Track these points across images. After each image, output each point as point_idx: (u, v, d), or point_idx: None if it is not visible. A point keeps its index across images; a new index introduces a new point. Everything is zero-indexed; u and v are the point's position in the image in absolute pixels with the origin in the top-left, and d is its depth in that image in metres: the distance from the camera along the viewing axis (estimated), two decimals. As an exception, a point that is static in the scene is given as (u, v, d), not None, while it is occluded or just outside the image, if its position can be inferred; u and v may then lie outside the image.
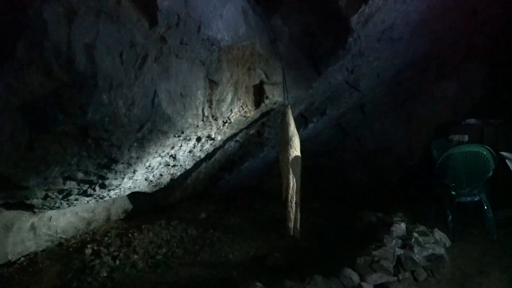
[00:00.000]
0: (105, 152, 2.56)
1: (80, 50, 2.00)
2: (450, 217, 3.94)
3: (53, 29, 1.91)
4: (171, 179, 4.45)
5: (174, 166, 3.84)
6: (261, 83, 3.58)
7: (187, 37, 2.51)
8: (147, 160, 3.12)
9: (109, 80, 2.16)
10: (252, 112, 3.64)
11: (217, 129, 3.48)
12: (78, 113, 2.16)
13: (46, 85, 2.00)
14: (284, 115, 3.89)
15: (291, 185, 3.85)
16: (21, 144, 2.18)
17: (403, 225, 3.78)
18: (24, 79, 1.96)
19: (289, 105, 3.85)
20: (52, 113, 2.13)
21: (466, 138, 5.31)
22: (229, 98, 3.18)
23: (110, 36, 2.11)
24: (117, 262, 3.49)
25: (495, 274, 3.13)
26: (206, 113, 3.02)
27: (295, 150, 3.86)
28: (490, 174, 3.92)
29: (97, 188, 3.11)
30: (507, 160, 4.23)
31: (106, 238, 4.00)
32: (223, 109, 3.19)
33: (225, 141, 4.19)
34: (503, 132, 5.44)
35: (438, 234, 3.57)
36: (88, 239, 4.00)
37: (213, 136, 3.60)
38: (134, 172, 3.18)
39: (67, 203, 3.21)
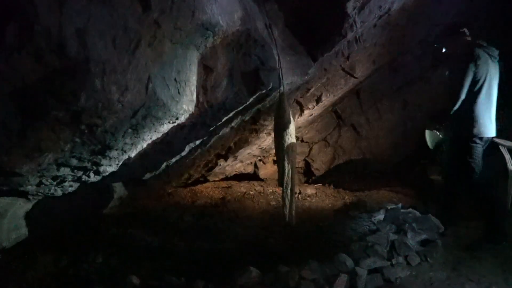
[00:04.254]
0: (99, 138, 2.54)
1: (72, 35, 1.96)
2: (444, 202, 3.97)
3: (44, 13, 1.87)
4: (166, 166, 4.44)
5: (169, 152, 3.83)
6: (256, 69, 3.54)
7: (181, 21, 2.47)
8: (142, 147, 3.10)
9: (101, 66, 2.12)
10: (247, 98, 3.62)
11: (212, 115, 3.46)
12: (71, 99, 2.13)
13: (38, 70, 1.97)
14: (279, 102, 3.87)
15: (286, 171, 3.85)
16: (13, 131, 2.16)
17: (397, 211, 3.81)
18: (14, 64, 1.92)
19: (285, 92, 3.83)
20: (44, 100, 2.10)
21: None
22: (224, 84, 3.15)
23: (103, 21, 2.07)
24: (113, 248, 3.51)
25: (487, 258, 3.17)
26: (200, 99, 3.00)
27: (291, 137, 3.85)
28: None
29: (91, 174, 3.10)
30: (500, 147, 4.26)
31: (101, 225, 4.01)
32: (218, 95, 3.17)
33: (220, 128, 4.17)
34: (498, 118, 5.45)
35: (432, 219, 3.60)
36: (84, 225, 4.01)
37: (208, 122, 3.58)
38: (128, 159, 3.17)
39: (61, 190, 3.20)
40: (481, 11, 5.52)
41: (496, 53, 3.44)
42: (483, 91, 3.34)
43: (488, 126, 3.41)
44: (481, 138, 3.40)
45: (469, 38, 3.54)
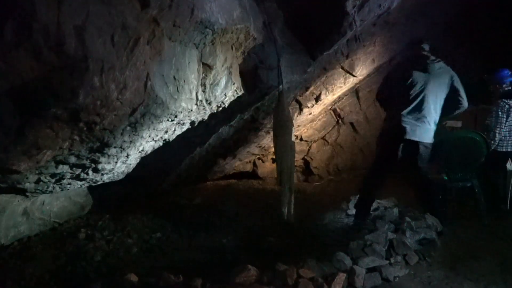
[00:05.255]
0: (98, 136, 2.53)
1: (70, 32, 1.96)
2: (442, 202, 3.97)
3: (42, 10, 1.86)
4: (165, 164, 4.44)
5: (167, 150, 3.82)
6: (256, 67, 3.55)
7: (180, 19, 2.47)
8: (140, 144, 3.10)
9: (100, 63, 2.12)
10: (246, 97, 3.62)
11: (211, 113, 3.46)
12: (69, 97, 2.12)
13: (36, 68, 1.96)
14: (278, 100, 3.87)
15: (285, 170, 3.86)
16: (11, 128, 2.15)
17: (395, 210, 3.81)
18: (12, 62, 1.91)
19: (284, 90, 3.83)
20: (43, 97, 2.09)
21: (459, 124, 5.33)
22: (223, 82, 3.15)
23: (101, 18, 2.06)
24: (111, 246, 3.51)
25: (485, 258, 3.17)
26: (199, 97, 3.00)
27: (290, 135, 3.85)
28: (483, 159, 3.95)
29: (90, 172, 3.10)
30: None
31: (100, 223, 4.01)
32: (217, 93, 3.17)
33: (219, 126, 4.17)
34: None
35: (430, 218, 3.60)
36: (82, 223, 4.01)
37: (206, 120, 3.58)
38: (127, 156, 3.17)
39: (60, 187, 3.19)
40: (480, 10, 5.52)
41: (436, 66, 3.62)
42: (417, 99, 3.58)
43: (411, 130, 3.57)
44: (404, 139, 3.60)
45: (425, 53, 3.72)
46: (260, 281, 2.67)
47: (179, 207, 4.71)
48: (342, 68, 4.78)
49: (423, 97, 3.60)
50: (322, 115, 6.03)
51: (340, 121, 6.30)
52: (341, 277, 2.72)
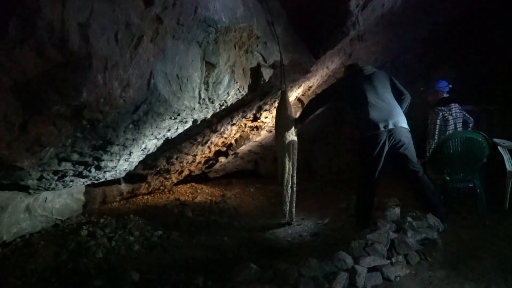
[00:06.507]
0: (100, 133, 2.54)
1: (74, 30, 1.97)
2: (444, 202, 3.97)
3: (47, 7, 1.87)
4: (167, 162, 4.45)
5: (169, 148, 3.83)
6: (258, 66, 3.55)
7: (183, 17, 2.47)
8: (143, 142, 3.10)
9: (104, 61, 2.13)
10: (249, 95, 3.62)
11: (214, 112, 3.46)
12: (72, 94, 2.13)
13: (39, 65, 1.97)
14: (281, 99, 3.87)
15: (286, 169, 3.86)
16: (14, 125, 2.16)
17: (397, 210, 3.80)
18: (16, 58, 1.92)
19: (286, 89, 3.83)
20: (46, 94, 2.10)
21: (461, 124, 5.32)
22: (226, 80, 3.15)
23: (105, 16, 2.07)
24: (113, 243, 3.51)
25: (486, 258, 3.16)
26: (202, 96, 3.00)
27: (292, 134, 3.85)
28: (485, 160, 3.94)
29: (92, 169, 3.10)
30: (499, 147, 4.25)
31: (102, 220, 4.01)
32: (220, 92, 3.17)
33: (221, 124, 4.17)
34: (498, 118, 5.45)
35: (432, 218, 3.60)
36: (84, 220, 4.01)
37: (209, 118, 3.59)
38: (129, 154, 3.17)
39: (62, 185, 3.20)
40: (483, 11, 5.50)
41: (369, 70, 3.76)
42: (371, 92, 3.63)
43: (383, 121, 3.56)
44: (381, 132, 3.57)
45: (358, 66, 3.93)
46: (261, 279, 2.68)
47: (181, 205, 4.72)
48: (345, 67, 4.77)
49: (374, 88, 3.65)
50: (324, 114, 6.01)
51: (342, 120, 6.29)
52: (343, 276, 2.71)
